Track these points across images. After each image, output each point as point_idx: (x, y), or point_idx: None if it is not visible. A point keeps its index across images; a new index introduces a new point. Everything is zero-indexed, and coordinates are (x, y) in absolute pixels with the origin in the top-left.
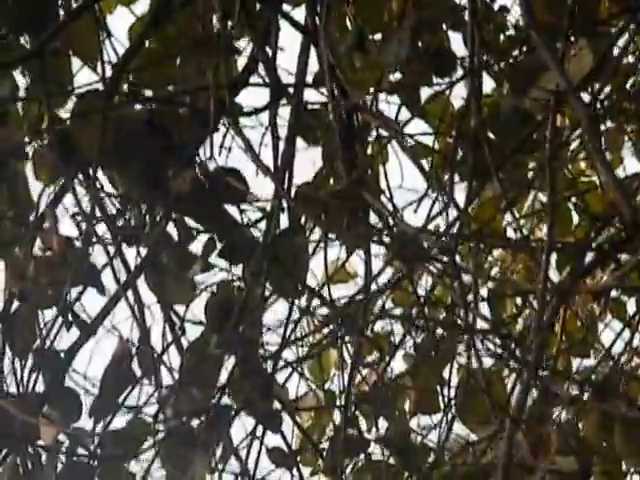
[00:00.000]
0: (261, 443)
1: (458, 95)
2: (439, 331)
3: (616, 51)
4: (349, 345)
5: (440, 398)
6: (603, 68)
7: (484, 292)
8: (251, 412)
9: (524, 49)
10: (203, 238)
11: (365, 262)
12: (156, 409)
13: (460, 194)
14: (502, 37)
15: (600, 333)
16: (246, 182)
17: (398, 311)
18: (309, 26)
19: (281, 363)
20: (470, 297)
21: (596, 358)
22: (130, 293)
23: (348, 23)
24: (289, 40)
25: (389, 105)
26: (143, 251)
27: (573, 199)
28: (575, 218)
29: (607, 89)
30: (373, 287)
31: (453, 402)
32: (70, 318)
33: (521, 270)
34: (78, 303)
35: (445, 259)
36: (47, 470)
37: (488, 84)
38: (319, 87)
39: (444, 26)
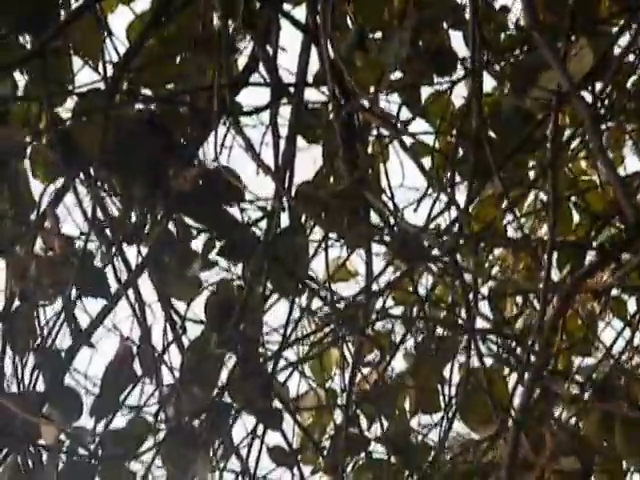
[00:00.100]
0: (262, 442)
1: (459, 94)
2: (440, 330)
3: (617, 50)
4: (350, 344)
5: (441, 397)
6: (604, 67)
7: (485, 291)
8: (251, 411)
9: (525, 48)
10: (204, 237)
11: (366, 262)
12: (157, 408)
13: (461, 193)
14: (503, 36)
15: (601, 332)
16: (241, 181)
17: (399, 310)
18: (310, 25)
19: (282, 362)
20: (471, 296)
21: (596, 357)
22: (131, 292)
23: (349, 22)
24: (290, 39)
25: (389, 104)
26: (144, 250)
27: (573, 198)
28: (575, 217)
29: (608, 88)
30: (374, 286)
31: (454, 401)
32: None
33: (522, 269)
34: (79, 302)
35: (446, 258)
36: (48, 469)
37: (488, 83)
38: (320, 86)
39: (445, 25)
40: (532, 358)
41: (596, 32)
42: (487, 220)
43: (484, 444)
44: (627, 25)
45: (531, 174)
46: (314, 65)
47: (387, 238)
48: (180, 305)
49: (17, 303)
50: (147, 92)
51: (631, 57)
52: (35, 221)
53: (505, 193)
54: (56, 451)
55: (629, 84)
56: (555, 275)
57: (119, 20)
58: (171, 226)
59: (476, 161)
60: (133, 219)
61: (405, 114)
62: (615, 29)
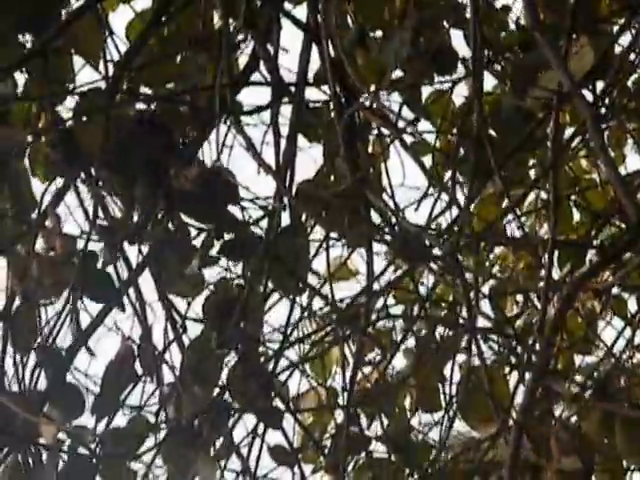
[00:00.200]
0: (262, 441)
1: (459, 93)
2: (440, 329)
3: (617, 49)
4: (351, 343)
5: (442, 396)
6: (605, 66)
7: (485, 290)
8: (252, 410)
9: (525, 47)
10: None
11: (367, 261)
12: (157, 407)
13: (462, 192)
14: (503, 35)
15: (601, 331)
16: (237, 180)
17: (400, 309)
18: (310, 24)
19: (283, 361)
20: (472, 295)
21: (597, 356)
22: (132, 291)
23: (349, 21)
24: (291, 38)
25: (390, 103)
26: (144, 249)
27: (574, 197)
28: (576, 216)
29: (604, 86)
30: (375, 286)
31: (455, 400)
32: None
33: (523, 268)
34: (80, 302)
35: (447, 257)
36: (48, 468)
37: (489, 81)
38: (321, 85)
39: (445, 24)
40: (533, 357)
41: (597, 31)
42: (488, 219)
43: (485, 443)
44: (628, 23)
45: (531, 173)
46: (315, 64)
47: (388, 237)
48: (181, 304)
49: (18, 302)
50: (148, 91)
51: (632, 56)
52: (36, 220)
53: (506, 192)
54: (56, 450)
55: (630, 83)
56: (555, 274)
57: (120, 19)
58: (171, 225)
59: (477, 160)
60: (134, 218)
61: (406, 113)
62: (616, 28)
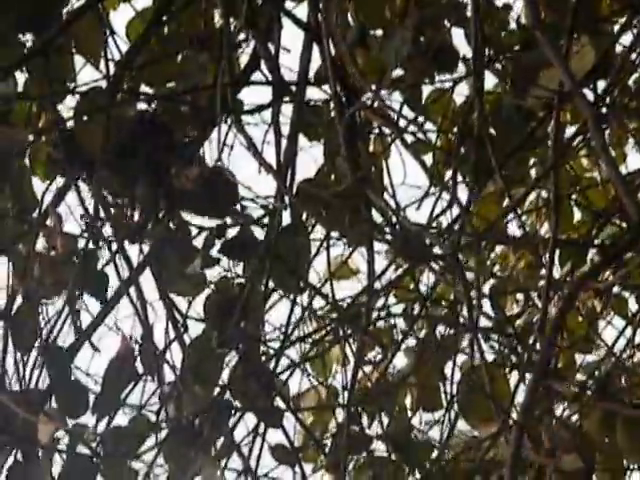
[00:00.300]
0: (263, 440)
1: (460, 91)
2: (441, 328)
3: (619, 48)
4: (352, 342)
5: (443, 395)
6: (606, 65)
7: (486, 289)
8: (252, 409)
9: (526, 45)
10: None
11: (368, 260)
12: (158, 406)
13: (463, 191)
14: (504, 34)
15: (602, 330)
16: (236, 180)
17: (400, 308)
18: (311, 23)
19: (284, 360)
20: (473, 294)
21: (599, 355)
22: (133, 290)
23: (350, 20)
24: (291, 38)
25: (391, 102)
26: (145, 248)
27: (575, 196)
28: (577, 215)
29: (606, 85)
30: (376, 285)
31: (455, 399)
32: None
33: (523, 267)
34: (80, 300)
35: (448, 256)
36: (43, 466)
37: (490, 80)
38: (321, 85)
39: (446, 23)
40: (534, 356)
41: (598, 30)
42: (488, 218)
43: (486, 442)
44: (629, 23)
45: (532, 172)
46: (316, 63)
47: (389, 236)
48: (182, 303)
49: (19, 302)
50: (148, 90)
51: (633, 55)
52: (37, 220)
53: (507, 191)
54: (51, 449)
55: (630, 82)
56: (556, 272)
57: (121, 18)
58: (172, 224)
59: (477, 159)
60: (135, 218)
61: (406, 112)
62: (617, 27)
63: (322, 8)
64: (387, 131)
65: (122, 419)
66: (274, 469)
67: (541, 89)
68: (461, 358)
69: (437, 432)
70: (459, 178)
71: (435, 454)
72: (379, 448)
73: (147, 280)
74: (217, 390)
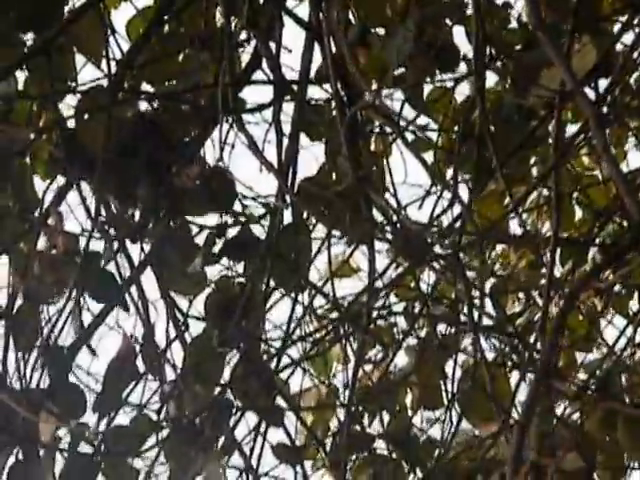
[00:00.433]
0: (264, 439)
1: (461, 90)
2: (442, 327)
3: (619, 47)
4: (352, 341)
5: (444, 393)
6: (607, 64)
7: (486, 287)
8: (253, 408)
9: (527, 44)
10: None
11: (369, 259)
12: (159, 405)
13: (464, 190)
14: (505, 32)
15: (603, 329)
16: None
17: (401, 306)
18: (313, 22)
19: (284, 359)
20: (474, 293)
21: (601, 353)
22: (134, 289)
23: (351, 18)
24: (293, 37)
25: (392, 101)
26: (146, 247)
27: (576, 194)
28: (578, 213)
29: (608, 84)
30: (377, 283)
31: (456, 398)
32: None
33: (525, 266)
34: (81, 299)
35: (449, 256)
36: (44, 467)
37: (490, 78)
38: (323, 83)
39: (448, 21)
40: (535, 356)
41: (599, 29)
42: (489, 216)
43: (487, 441)
44: (630, 22)
45: (533, 170)
46: (317, 62)
47: (390, 235)
48: (183, 302)
49: (20, 301)
50: (150, 89)
51: (634, 54)
52: (38, 218)
53: (508, 190)
54: (53, 449)
55: (632, 81)
56: (557, 271)
57: (122, 17)
58: (173, 223)
59: (479, 158)
60: (136, 217)
61: (407, 110)
62: (618, 26)
63: (323, 7)
64: (388, 130)
65: (123, 418)
66: (275, 468)
67: (542, 88)
68: (462, 357)
69: (438, 431)
70: (460, 177)
71: (436, 453)
72: (380, 446)
73: (148, 279)
74: (218, 389)
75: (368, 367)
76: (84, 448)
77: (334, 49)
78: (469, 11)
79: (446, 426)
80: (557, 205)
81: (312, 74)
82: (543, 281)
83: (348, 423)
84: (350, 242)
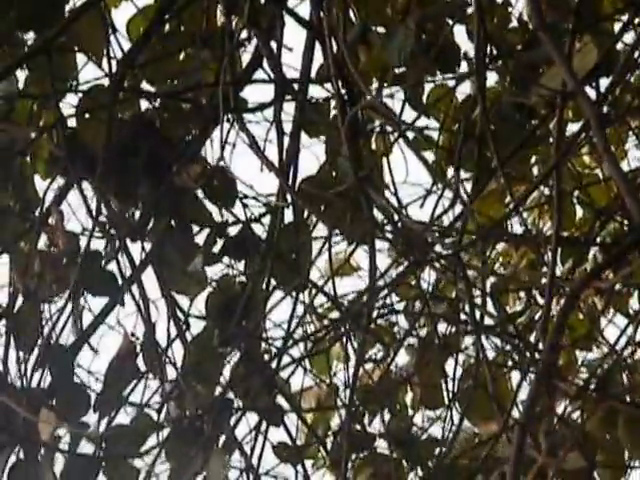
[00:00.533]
0: (265, 438)
1: (461, 89)
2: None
3: (620, 46)
4: (353, 340)
5: (444, 393)
6: (608, 63)
7: (487, 286)
8: (253, 407)
9: (528, 43)
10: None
11: (369, 257)
12: (160, 404)
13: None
14: (506, 31)
15: (604, 328)
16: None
17: (402, 305)
18: (314, 21)
19: (285, 358)
20: (475, 292)
21: (602, 352)
22: (135, 288)
23: (352, 17)
24: (294, 36)
25: (393, 100)
26: (147, 246)
27: (577, 192)
28: (579, 212)
29: (608, 83)
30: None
31: (457, 397)
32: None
33: (525, 265)
34: (82, 298)
35: (449, 255)
36: (45, 466)
37: (491, 76)
38: (323, 83)
39: (448, 20)
40: (536, 355)
41: (600, 29)
42: (490, 215)
43: (488, 440)
44: (631, 21)
45: (534, 169)
46: (318, 62)
47: (390, 235)
48: (184, 301)
49: (21, 300)
50: (151, 88)
51: (635, 53)
52: (39, 217)
53: (508, 189)
54: (53, 448)
55: (632, 80)
56: (557, 270)
57: (122, 16)
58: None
59: (479, 157)
60: (136, 216)
61: (408, 109)
62: (619, 25)
63: (324, 6)
64: (389, 129)
65: (124, 417)
66: (276, 467)
67: (543, 87)
68: (462, 356)
69: (439, 430)
70: (461, 176)
71: (437, 451)
72: (380, 445)
73: (149, 278)
74: (219, 388)
75: (369, 366)
76: (85, 447)
77: (335, 48)
78: (470, 10)
79: (447, 425)
80: (558, 204)
81: (313, 73)
82: (544, 280)
83: (349, 422)
84: (351, 241)
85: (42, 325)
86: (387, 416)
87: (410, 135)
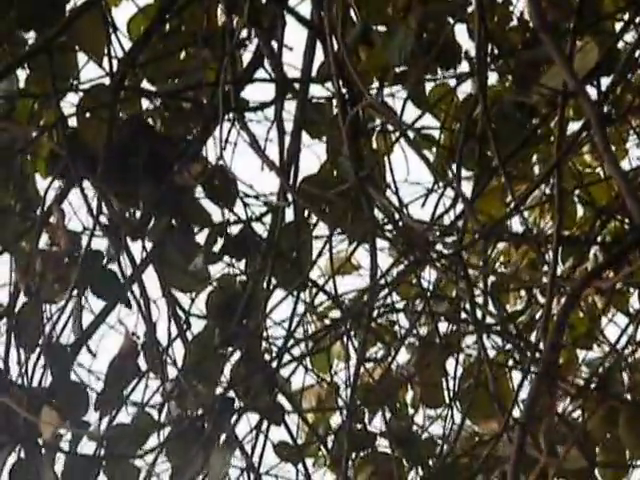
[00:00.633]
0: (266, 437)
1: (462, 88)
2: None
3: (621, 45)
4: (354, 339)
5: (445, 391)
6: (609, 62)
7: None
8: (254, 406)
9: (528, 43)
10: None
11: (370, 256)
12: (161, 403)
13: (465, 188)
14: (507, 30)
15: (604, 327)
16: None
17: (402, 304)
18: (315, 21)
19: (286, 357)
20: (477, 292)
21: (603, 350)
22: (136, 287)
23: (353, 16)
24: (295, 35)
25: (394, 99)
26: (148, 245)
27: (577, 191)
28: (580, 211)
29: (609, 83)
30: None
31: (458, 396)
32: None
33: (526, 264)
34: (83, 297)
35: (450, 255)
36: (46, 465)
37: (492, 75)
38: (324, 82)
39: (449, 19)
40: (536, 354)
41: (601, 28)
42: (491, 214)
43: (489, 440)
44: (632, 20)
45: (535, 168)
46: (319, 61)
47: (391, 234)
48: (185, 300)
49: (22, 299)
50: (151, 88)
51: (636, 52)
52: (40, 216)
53: (509, 188)
54: (54, 447)
55: (634, 79)
56: (558, 269)
57: (123, 15)
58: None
59: (480, 155)
60: (137, 215)
61: (409, 108)
62: (620, 24)
63: (325, 5)
64: (390, 128)
65: (125, 417)
66: (276, 466)
67: (544, 86)
68: (463, 355)
69: (439, 429)
70: (462, 175)
71: (437, 450)
72: (381, 444)
73: (150, 277)
74: (219, 387)
75: (370, 365)
76: (86, 446)
77: (336, 47)
78: (471, 9)
79: (447, 424)
80: (559, 203)
81: (314, 72)
82: (545, 279)
83: (350, 421)
84: (351, 240)
85: (43, 324)
86: (388, 415)
87: (411, 134)
